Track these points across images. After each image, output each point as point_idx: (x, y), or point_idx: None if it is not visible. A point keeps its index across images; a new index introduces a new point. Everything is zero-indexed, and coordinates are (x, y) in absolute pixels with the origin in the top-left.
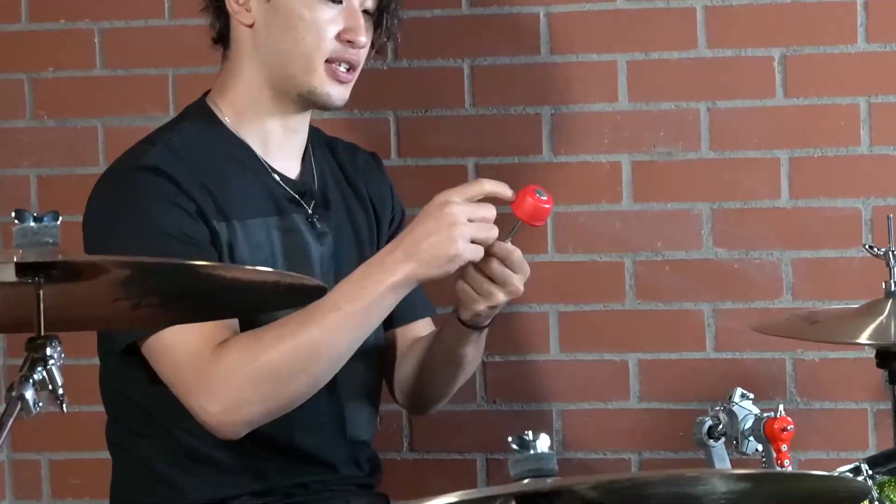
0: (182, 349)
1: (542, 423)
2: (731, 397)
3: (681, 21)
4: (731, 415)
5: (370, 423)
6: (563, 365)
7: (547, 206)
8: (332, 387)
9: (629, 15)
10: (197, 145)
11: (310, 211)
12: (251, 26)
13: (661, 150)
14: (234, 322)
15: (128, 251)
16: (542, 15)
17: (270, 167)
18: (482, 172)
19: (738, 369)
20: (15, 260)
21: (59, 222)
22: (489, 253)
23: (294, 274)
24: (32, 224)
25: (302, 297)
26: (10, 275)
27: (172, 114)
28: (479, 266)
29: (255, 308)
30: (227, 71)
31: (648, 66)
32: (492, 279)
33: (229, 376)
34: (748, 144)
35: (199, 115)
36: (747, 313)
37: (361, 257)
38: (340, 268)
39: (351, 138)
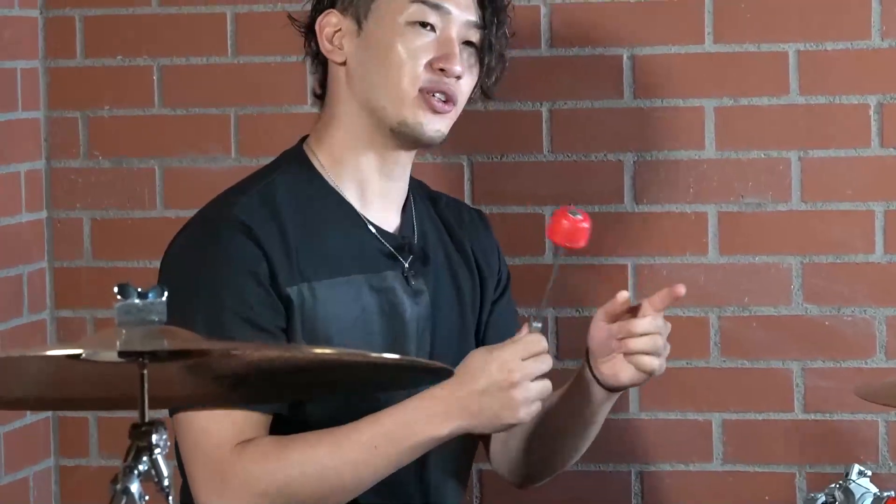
0: (206, 436)
1: (620, 485)
2: (847, 474)
3: (772, 66)
4: (848, 493)
5: (457, 493)
6: (643, 424)
7: (584, 224)
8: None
9: (718, 58)
10: (290, 196)
11: (406, 265)
12: (344, 64)
13: (749, 201)
14: (267, 417)
15: (197, 321)
16: (625, 57)
17: (366, 219)
18: None
19: (827, 431)
20: (119, 348)
21: (164, 298)
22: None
23: (417, 359)
24: (137, 301)
25: (424, 377)
26: (112, 356)
27: (234, 155)
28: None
29: (366, 388)
30: (323, 116)
31: (737, 112)
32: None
33: (245, 484)
34: (842, 195)
35: (295, 162)
36: (838, 372)
37: (463, 320)
38: (437, 330)
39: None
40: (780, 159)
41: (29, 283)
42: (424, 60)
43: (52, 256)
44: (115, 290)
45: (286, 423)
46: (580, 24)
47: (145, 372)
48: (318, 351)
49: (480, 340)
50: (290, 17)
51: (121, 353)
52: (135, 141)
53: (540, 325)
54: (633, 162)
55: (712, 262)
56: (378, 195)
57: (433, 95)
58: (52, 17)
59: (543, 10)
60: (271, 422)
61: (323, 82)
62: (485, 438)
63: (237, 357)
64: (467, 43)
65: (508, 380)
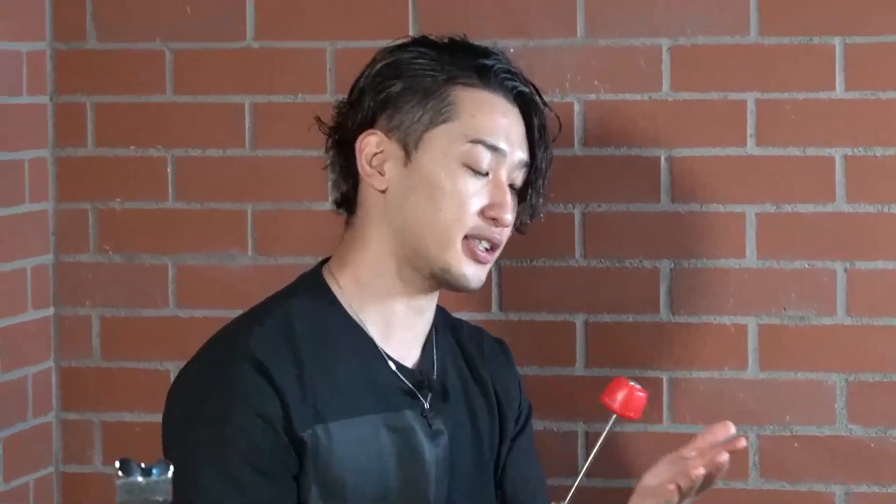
0: None
1: None
2: None
3: (818, 171)
4: None
5: None
6: None
7: (641, 394)
8: None
9: (760, 162)
10: (308, 326)
11: (426, 405)
12: (384, 192)
13: (792, 314)
14: None
15: (203, 468)
16: (662, 158)
17: (386, 354)
18: (591, 330)
19: None
20: None
21: (170, 475)
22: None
23: None
24: (140, 479)
25: None
26: None
27: (250, 253)
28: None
29: None
30: (350, 239)
31: (780, 219)
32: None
33: None
34: (890, 310)
35: (314, 288)
36: (885, 498)
37: (480, 459)
38: (455, 472)
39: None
40: (825, 270)
41: (34, 384)
42: (477, 207)
43: (59, 356)
44: (117, 464)
45: None
46: (615, 123)
47: None
48: None
49: (499, 478)
50: (318, 120)
51: None
52: (147, 236)
53: None
54: (670, 269)
55: (752, 377)
56: (402, 329)
57: (479, 244)
58: (63, 103)
59: (577, 108)
60: None
61: (350, 196)
62: None
63: None
64: (511, 186)
65: None
